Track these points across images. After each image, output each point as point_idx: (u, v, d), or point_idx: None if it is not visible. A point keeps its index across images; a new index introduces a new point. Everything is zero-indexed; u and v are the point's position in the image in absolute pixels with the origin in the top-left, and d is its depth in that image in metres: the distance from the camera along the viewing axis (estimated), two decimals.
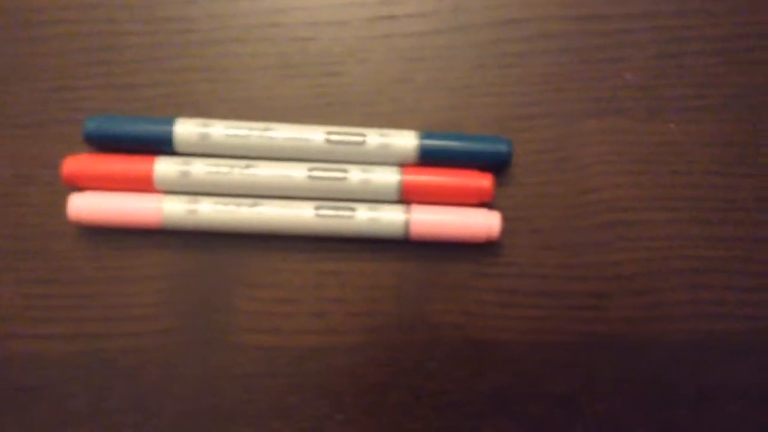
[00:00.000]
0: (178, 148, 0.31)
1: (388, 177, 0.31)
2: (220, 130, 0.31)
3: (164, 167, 0.31)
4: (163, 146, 0.31)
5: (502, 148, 0.32)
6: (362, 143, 0.31)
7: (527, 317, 0.32)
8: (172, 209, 0.31)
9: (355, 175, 0.31)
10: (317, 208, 0.31)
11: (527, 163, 0.33)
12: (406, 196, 0.31)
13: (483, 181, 0.31)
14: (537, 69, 0.34)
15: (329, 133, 0.31)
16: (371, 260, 0.32)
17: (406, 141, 0.31)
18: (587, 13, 0.34)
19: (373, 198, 0.31)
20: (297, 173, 0.31)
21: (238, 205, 0.31)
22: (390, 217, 0.31)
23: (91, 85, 0.33)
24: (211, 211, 0.31)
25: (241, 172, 0.31)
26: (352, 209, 0.31)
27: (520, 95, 0.33)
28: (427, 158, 0.32)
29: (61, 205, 0.32)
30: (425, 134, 0.32)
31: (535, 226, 0.33)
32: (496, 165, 0.32)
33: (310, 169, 0.31)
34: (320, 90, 0.33)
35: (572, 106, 0.33)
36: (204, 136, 0.31)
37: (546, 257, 0.32)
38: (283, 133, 0.31)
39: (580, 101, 0.33)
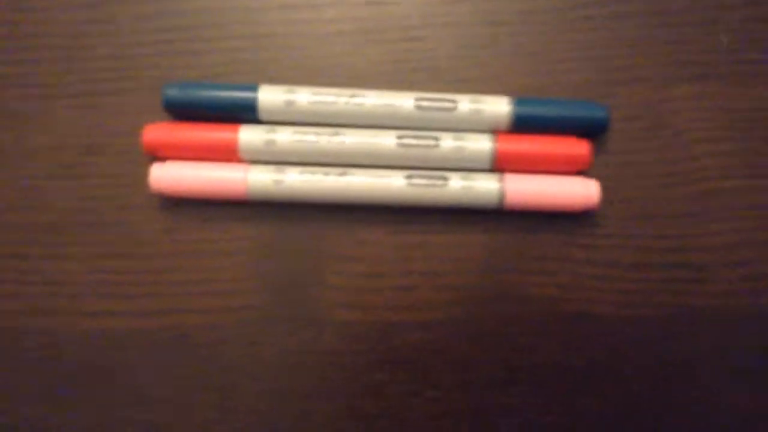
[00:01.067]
0: (262, 115, 0.30)
1: (481, 144, 0.30)
2: (305, 96, 0.30)
3: (249, 136, 0.30)
4: (246, 114, 0.30)
5: (599, 113, 0.30)
6: (453, 109, 0.30)
7: (622, 290, 0.31)
8: (258, 179, 0.30)
9: (447, 142, 0.30)
10: (408, 177, 0.30)
11: (618, 130, 0.32)
12: (499, 165, 0.30)
13: (581, 148, 0.30)
14: (624, 32, 0.32)
15: (419, 99, 0.30)
16: (461, 231, 0.31)
17: (499, 107, 0.30)
18: None
19: (466, 166, 0.30)
20: (386, 140, 0.30)
21: (326, 174, 0.30)
22: (484, 186, 0.30)
23: (164, 52, 0.32)
24: (297, 181, 0.30)
25: (328, 140, 0.30)
26: (445, 178, 0.30)
27: (608, 59, 0.32)
28: (521, 125, 0.30)
29: (136, 176, 0.31)
30: (519, 100, 0.30)
31: (629, 195, 0.31)
32: (592, 132, 0.31)
33: (400, 137, 0.30)
34: (401, 56, 0.32)
35: (663, 70, 0.32)
36: (289, 103, 0.30)
37: (642, 228, 0.31)
38: (371, 99, 0.30)
39: (671, 65, 0.32)
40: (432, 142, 0.30)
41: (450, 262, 0.31)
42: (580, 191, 0.30)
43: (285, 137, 0.30)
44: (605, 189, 0.31)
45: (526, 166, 0.30)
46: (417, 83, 0.32)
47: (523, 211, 0.31)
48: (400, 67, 0.32)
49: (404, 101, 0.30)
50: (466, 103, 0.30)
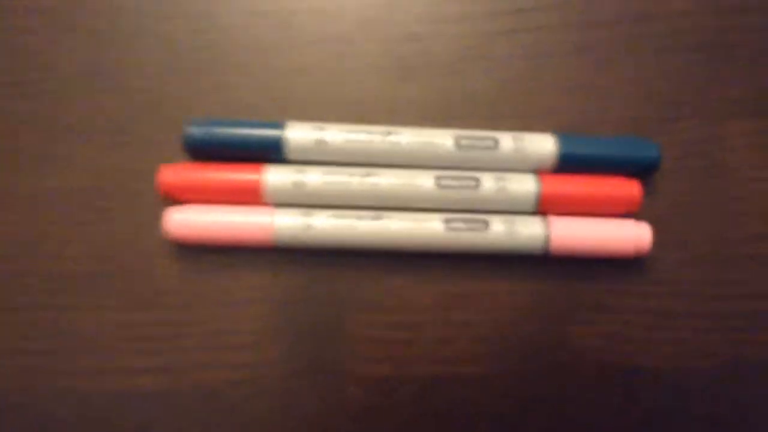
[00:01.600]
0: (290, 155, 0.28)
1: (525, 186, 0.28)
2: (336, 134, 0.28)
3: (276, 177, 0.28)
4: (272, 154, 0.28)
5: (649, 152, 0.28)
6: (494, 148, 0.28)
7: (675, 340, 0.29)
8: (286, 224, 0.27)
9: (488, 183, 0.28)
10: (447, 221, 0.28)
11: (669, 169, 0.30)
12: (543, 207, 0.28)
13: (631, 188, 0.28)
14: (674, 66, 0.31)
15: (458, 137, 0.28)
16: (503, 279, 0.29)
17: (543, 145, 0.28)
18: (727, 5, 0.31)
19: (508, 209, 0.28)
20: (424, 181, 0.28)
21: (359, 218, 0.28)
22: (528, 231, 0.28)
23: (185, 88, 0.30)
24: (327, 226, 0.27)
25: (361, 182, 0.28)
26: (486, 222, 0.28)
27: (658, 95, 0.30)
28: (566, 164, 0.28)
29: (154, 220, 0.28)
30: (564, 137, 0.28)
31: (682, 238, 0.29)
32: (642, 171, 0.29)
33: (438, 177, 0.28)
34: (439, 92, 0.30)
35: (715, 106, 0.30)
36: (319, 142, 0.28)
37: (695, 273, 0.29)
38: (407, 137, 0.28)
39: (723, 101, 0.30)
40: (472, 183, 0.28)
41: (491, 312, 0.29)
42: (631, 235, 0.28)
43: (314, 178, 0.28)
44: (656, 232, 0.29)
45: (572, 209, 0.28)
46: (455, 120, 0.30)
47: (570, 257, 0.28)
48: (439, 103, 0.30)
49: (443, 139, 0.28)
50: (508, 141, 0.28)
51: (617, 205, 0.28)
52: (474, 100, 0.30)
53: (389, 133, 0.28)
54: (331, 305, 0.29)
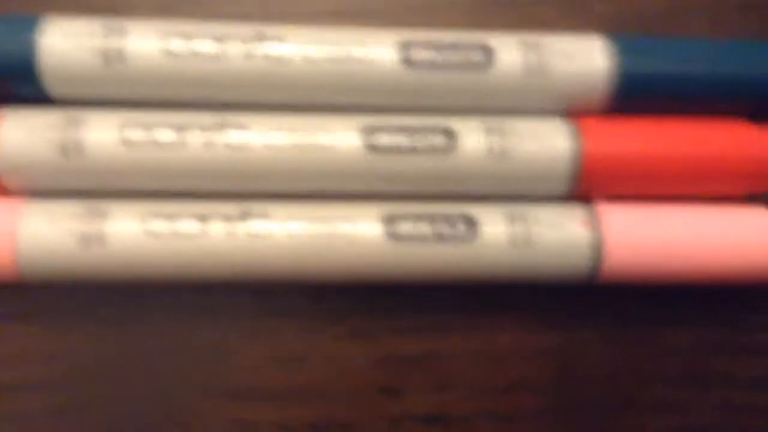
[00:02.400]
0: (54, 86, 0.13)
1: (549, 142, 0.13)
2: (150, 40, 0.13)
3: (18, 135, 0.13)
4: (17, 82, 0.13)
5: None
6: (485, 66, 0.13)
7: None
8: (41, 236, 0.13)
9: (472, 141, 0.13)
10: (388, 220, 0.13)
11: None
12: (586, 185, 0.14)
13: (761, 143, 0.14)
14: None
15: (409, 44, 0.13)
16: (502, 333, 0.15)
17: (584, 59, 0.14)
18: None
19: (514, 191, 0.14)
20: (341, 140, 0.13)
21: (203, 219, 0.13)
22: (557, 236, 0.13)
23: None
24: (137, 238, 0.13)
25: (206, 143, 0.13)
26: (471, 221, 0.13)
27: None
28: (630, 96, 0.14)
29: None
30: (626, 42, 0.14)
31: None
32: None
33: (369, 131, 0.13)
34: None
35: None
36: (113, 57, 0.13)
37: None
38: (301, 46, 0.13)
39: None
40: (439, 142, 0.13)
41: (479, 397, 0.15)
42: (764, 240, 0.14)
43: (104, 136, 0.13)
44: None
45: (643, 187, 0.14)
46: (409, 15, 0.15)
47: (639, 286, 0.14)
48: None
49: (380, 50, 0.13)
50: (512, 52, 0.14)
51: (734, 178, 0.14)
52: None
53: (263, 38, 0.13)
54: (158, 400, 0.14)
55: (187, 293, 0.14)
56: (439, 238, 0.13)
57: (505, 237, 0.13)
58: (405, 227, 0.13)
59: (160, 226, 0.13)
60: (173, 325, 0.14)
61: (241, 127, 0.13)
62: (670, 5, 0.15)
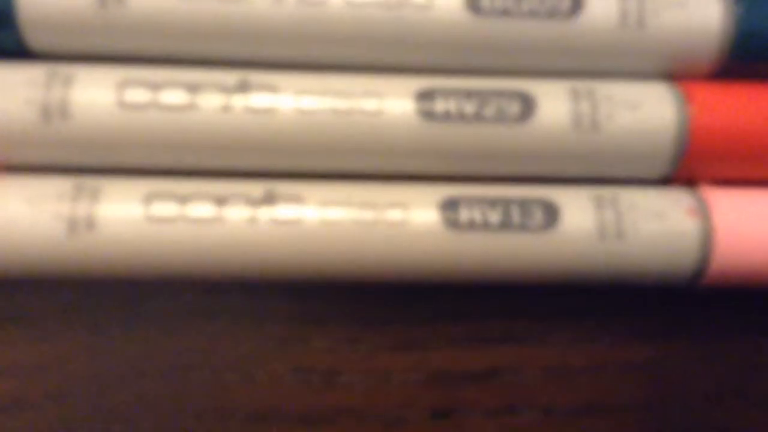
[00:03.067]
0: (34, 39, 0.11)
1: (649, 111, 0.11)
2: None
3: None
4: None
5: None
6: (570, 13, 0.11)
7: None
8: (20, 220, 0.10)
9: (553, 106, 0.11)
10: (447, 206, 0.11)
11: None
12: (693, 166, 0.11)
13: None
14: None
15: None
16: (581, 345, 0.12)
17: (694, 8, 0.11)
18: None
19: (604, 172, 0.11)
20: (390, 106, 0.11)
21: (219, 202, 0.10)
22: (657, 227, 0.11)
23: None
24: (137, 224, 0.10)
25: (224, 107, 0.10)
26: (550, 207, 0.11)
27: None
28: (747, 57, 0.11)
29: None
30: None
31: None
32: None
33: (424, 95, 0.11)
34: None
35: None
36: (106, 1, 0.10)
37: None
38: None
39: None
40: (513, 109, 0.11)
41: (551, 420, 0.12)
42: None
43: (97, 97, 0.10)
44: None
45: (757, 171, 0.11)
46: None
47: (748, 293, 0.12)
48: None
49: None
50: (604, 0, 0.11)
51: None
52: None
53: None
54: (166, 411, 0.12)
55: (197, 293, 0.12)
56: (510, 227, 0.11)
57: (593, 227, 0.11)
58: (468, 214, 0.11)
59: (166, 209, 0.10)
60: (180, 332, 0.12)
61: (267, 87, 0.11)
62: None
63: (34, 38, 0.11)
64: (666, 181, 0.11)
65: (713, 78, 0.11)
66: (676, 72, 0.11)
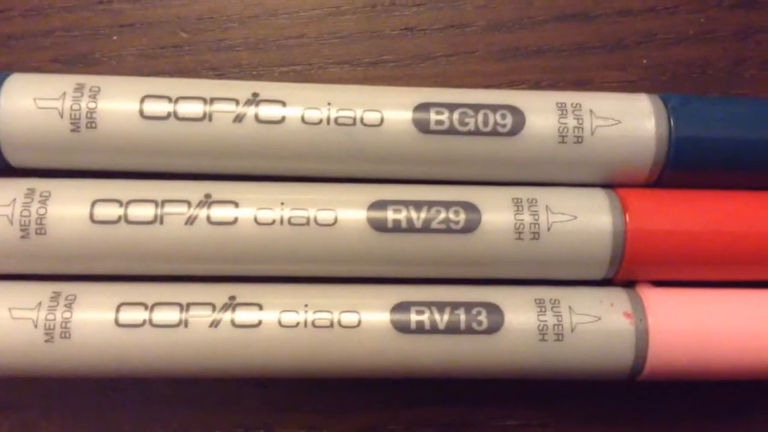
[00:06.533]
0: (13, 154, 0.11)
1: (588, 219, 0.12)
2: (125, 103, 0.11)
3: None
4: None
5: None
6: (513, 131, 0.12)
7: None
8: (5, 323, 0.11)
9: (497, 216, 0.11)
10: (397, 309, 0.11)
11: None
12: (629, 268, 0.12)
13: None
14: None
15: (424, 106, 0.12)
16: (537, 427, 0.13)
17: (629, 123, 0.12)
18: None
19: (545, 275, 0.12)
20: (345, 216, 0.11)
21: (184, 309, 0.11)
22: (596, 327, 0.12)
23: None
24: (108, 330, 0.11)
25: (188, 220, 0.11)
26: (494, 309, 0.11)
27: None
28: (681, 167, 0.12)
29: None
30: (677, 101, 0.12)
31: None
32: None
33: (376, 206, 0.11)
34: (374, 8, 0.13)
35: None
36: (83, 121, 0.11)
37: None
38: (301, 108, 0.11)
39: None
40: (458, 219, 0.11)
41: None
42: None
43: (71, 213, 0.11)
44: None
45: (694, 271, 0.12)
46: (423, 69, 0.13)
47: (683, 385, 0.12)
48: (380, 30, 0.13)
49: (389, 113, 0.11)
50: (544, 115, 0.12)
51: None
52: (459, 16, 0.13)
53: (257, 99, 0.11)
54: None
55: (166, 382, 0.13)
56: (457, 330, 0.11)
57: (535, 330, 0.12)
58: (416, 317, 0.11)
59: (134, 315, 0.11)
60: (151, 420, 0.13)
61: (228, 201, 0.11)
62: (727, 57, 0.13)
63: (12, 156, 0.11)
64: (608, 282, 0.12)
65: (651, 186, 0.12)
66: (615, 181, 0.12)
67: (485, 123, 0.12)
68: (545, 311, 0.12)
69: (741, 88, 0.13)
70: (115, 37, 0.13)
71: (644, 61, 0.13)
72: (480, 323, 0.11)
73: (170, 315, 0.11)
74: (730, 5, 0.13)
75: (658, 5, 0.13)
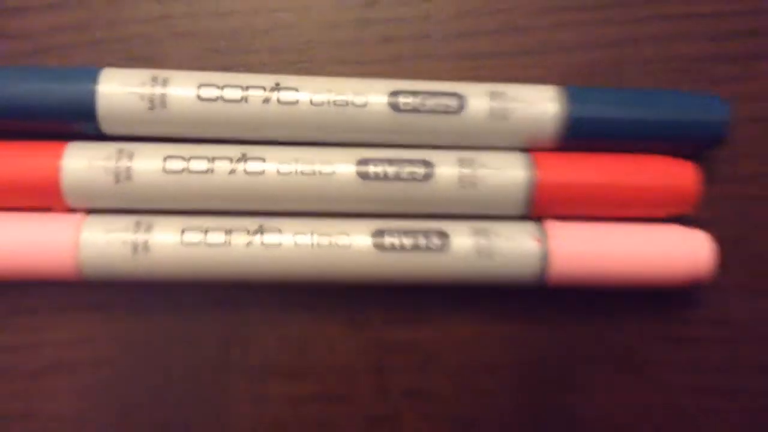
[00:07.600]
0: (108, 125, 0.16)
1: (509, 173, 0.17)
2: (187, 89, 0.16)
3: (80, 163, 0.16)
4: (79, 123, 0.16)
5: (712, 114, 0.17)
6: (458, 110, 0.17)
7: (746, 412, 0.18)
8: (99, 244, 0.16)
9: (447, 170, 0.17)
10: (378, 234, 0.16)
11: (742, 141, 0.18)
12: (538, 208, 0.17)
13: (683, 175, 0.17)
14: None
15: (396, 93, 0.17)
16: (470, 325, 0.18)
17: (539, 105, 0.17)
18: None
19: (479, 212, 0.17)
20: (339, 170, 0.16)
21: (228, 232, 0.16)
22: (513, 248, 0.17)
23: None
24: (175, 247, 0.16)
25: (230, 171, 0.16)
26: (443, 235, 0.16)
27: (719, 20, 0.19)
28: (576, 136, 0.17)
29: None
30: (574, 91, 0.17)
31: (760, 253, 0.18)
32: (697, 146, 0.18)
33: (362, 163, 0.16)
34: (366, 23, 0.18)
35: None
36: (157, 102, 0.16)
37: None
38: (308, 93, 0.16)
39: None
40: (419, 171, 0.16)
41: (452, 374, 0.18)
42: (681, 253, 0.17)
43: (149, 166, 0.16)
44: (720, 246, 0.17)
45: (585, 210, 0.17)
46: (393, 66, 0.18)
47: (580, 289, 0.17)
48: (365, 38, 0.18)
49: (372, 97, 0.16)
50: (481, 100, 0.17)
51: (658, 204, 0.17)
52: (426, 35, 0.18)
53: (278, 87, 0.16)
54: (194, 372, 0.17)
55: (214, 290, 0.18)
56: (418, 248, 0.16)
57: (470, 248, 0.17)
58: (390, 240, 0.16)
59: (193, 237, 0.16)
60: (201, 315, 0.18)
61: (256, 158, 0.16)
62: (617, 59, 0.19)
63: (107, 126, 0.16)
64: (522, 218, 0.17)
65: (558, 150, 0.17)
66: (530, 146, 0.17)
67: (438, 105, 0.17)
68: (479, 236, 0.17)
69: (626, 83, 0.18)
70: (173, 43, 0.18)
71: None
72: (435, 245, 0.16)
73: (218, 237, 0.16)
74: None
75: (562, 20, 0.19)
